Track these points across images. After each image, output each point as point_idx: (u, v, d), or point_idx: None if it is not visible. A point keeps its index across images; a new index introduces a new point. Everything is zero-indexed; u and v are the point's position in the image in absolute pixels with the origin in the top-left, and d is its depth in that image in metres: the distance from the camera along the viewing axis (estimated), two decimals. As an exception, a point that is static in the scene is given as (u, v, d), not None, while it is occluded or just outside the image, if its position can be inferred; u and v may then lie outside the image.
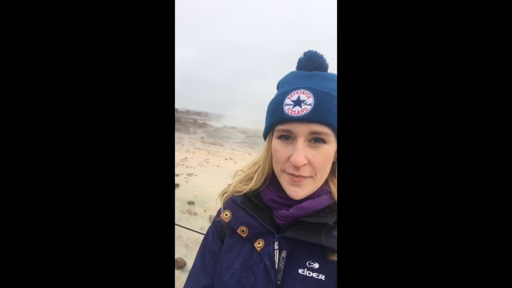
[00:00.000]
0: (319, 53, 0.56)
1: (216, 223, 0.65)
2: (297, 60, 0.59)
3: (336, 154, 0.55)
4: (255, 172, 0.61)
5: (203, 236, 0.72)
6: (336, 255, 0.48)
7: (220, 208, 0.64)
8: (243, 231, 0.57)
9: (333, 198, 0.55)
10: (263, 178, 0.60)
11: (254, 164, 0.63)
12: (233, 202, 0.60)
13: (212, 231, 0.66)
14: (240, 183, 0.63)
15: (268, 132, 0.56)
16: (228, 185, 0.65)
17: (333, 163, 0.55)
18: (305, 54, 0.57)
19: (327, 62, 0.57)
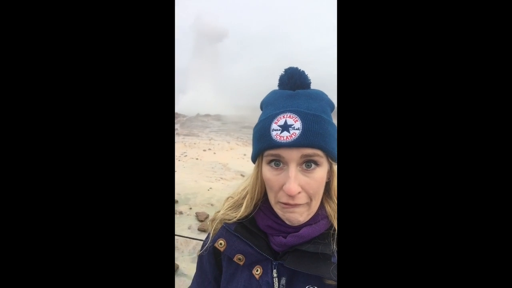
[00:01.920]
0: (300, 70, 0.57)
1: (206, 241, 0.66)
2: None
3: (328, 173, 0.56)
4: (244, 198, 0.62)
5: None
6: (333, 280, 0.52)
7: (209, 233, 0.65)
8: (239, 259, 0.59)
9: (330, 222, 0.57)
10: (253, 204, 0.61)
11: (243, 189, 0.64)
12: (226, 230, 0.61)
13: (205, 251, 0.67)
14: (229, 210, 0.64)
15: (256, 156, 0.57)
16: (217, 212, 0.67)
17: (326, 183, 0.56)
18: (286, 71, 0.58)
19: (309, 79, 0.58)
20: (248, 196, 0.61)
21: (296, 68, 0.58)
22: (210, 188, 9.49)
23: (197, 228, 6.37)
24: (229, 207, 0.65)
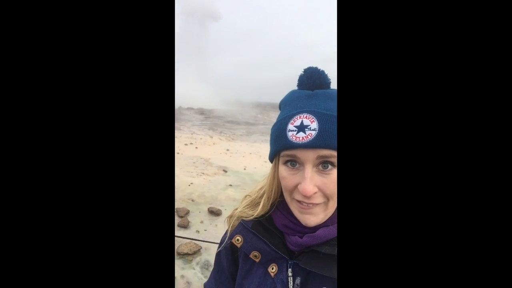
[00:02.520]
0: (320, 70, 0.57)
1: (224, 238, 0.69)
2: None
3: None
4: (261, 197, 0.64)
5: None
6: None
7: (227, 230, 0.68)
8: (255, 256, 0.60)
9: None
10: (269, 203, 0.63)
11: (260, 188, 0.66)
12: (243, 227, 0.63)
13: (224, 247, 0.69)
14: (246, 208, 0.65)
15: (273, 156, 0.58)
16: (235, 209, 0.68)
17: None
18: (305, 71, 0.58)
19: (329, 79, 0.58)
20: (265, 195, 0.62)
21: (316, 68, 0.58)
22: (191, 183, 9.40)
23: (176, 224, 6.29)
24: (246, 205, 0.66)
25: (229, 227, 0.67)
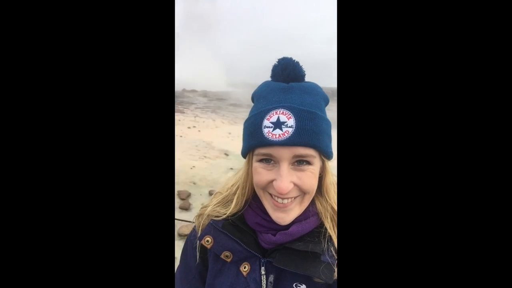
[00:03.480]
0: (294, 61, 0.55)
1: (192, 237, 0.67)
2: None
3: (320, 169, 0.55)
4: (234, 194, 0.61)
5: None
6: (320, 279, 0.52)
7: (194, 226, 0.65)
8: (227, 256, 0.58)
9: (320, 219, 0.57)
10: (243, 200, 0.61)
11: (232, 185, 0.64)
12: (214, 227, 0.60)
13: (190, 246, 0.67)
14: (217, 206, 0.63)
15: (247, 152, 0.56)
16: (204, 206, 0.65)
17: (318, 178, 0.56)
18: (279, 61, 0.56)
19: (303, 71, 0.55)
20: (239, 191, 0.60)
21: (290, 59, 0.55)
22: (193, 166, 9.47)
23: (178, 206, 6.39)
24: (218, 202, 0.64)
25: (198, 226, 0.64)
